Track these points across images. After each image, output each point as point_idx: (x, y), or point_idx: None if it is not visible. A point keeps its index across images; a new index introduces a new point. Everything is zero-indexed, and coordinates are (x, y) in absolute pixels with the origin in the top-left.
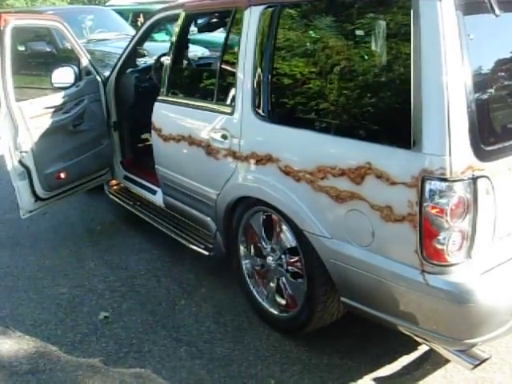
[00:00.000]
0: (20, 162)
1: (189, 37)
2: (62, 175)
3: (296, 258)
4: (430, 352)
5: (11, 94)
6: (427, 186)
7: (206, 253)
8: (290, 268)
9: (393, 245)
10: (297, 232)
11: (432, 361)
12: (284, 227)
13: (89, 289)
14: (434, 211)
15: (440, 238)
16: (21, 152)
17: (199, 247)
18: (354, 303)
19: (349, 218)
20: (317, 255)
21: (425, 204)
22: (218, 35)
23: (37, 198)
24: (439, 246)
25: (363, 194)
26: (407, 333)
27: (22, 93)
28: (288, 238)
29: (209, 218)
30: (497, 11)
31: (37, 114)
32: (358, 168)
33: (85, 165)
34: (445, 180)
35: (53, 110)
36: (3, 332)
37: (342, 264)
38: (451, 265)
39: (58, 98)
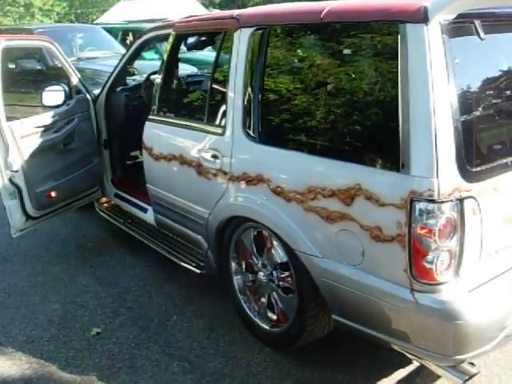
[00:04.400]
0: (11, 181)
1: (179, 56)
2: (53, 194)
3: (287, 274)
4: (421, 367)
5: (2, 113)
6: (416, 208)
7: (198, 271)
8: (281, 283)
9: (382, 264)
10: (287, 248)
11: (423, 375)
12: (275, 243)
13: (81, 305)
14: (422, 232)
15: (429, 257)
16: (11, 171)
17: (191, 265)
18: (345, 321)
19: (339, 237)
20: (307, 270)
21: (413, 225)
22: (207, 53)
23: (28, 216)
24: (428, 266)
25: (353, 214)
26: (399, 350)
27: (12, 110)
28: (279, 254)
29: (200, 237)
30: (482, 35)
31: (27, 134)
32: (348, 189)
33: (75, 183)
34: (433, 201)
35: (43, 129)
36: None
37: (333, 283)
38: (440, 283)
39: (48, 118)
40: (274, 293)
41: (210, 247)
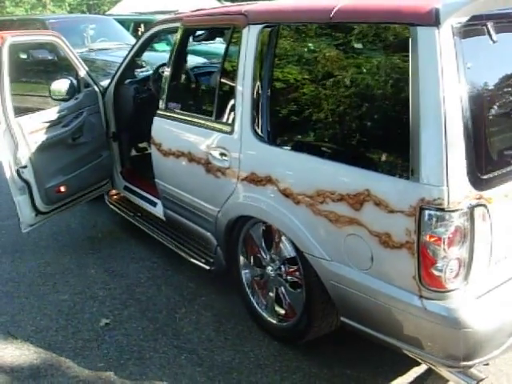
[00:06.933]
0: (20, 176)
1: (187, 50)
2: (62, 189)
3: (295, 268)
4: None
5: (10, 109)
6: (425, 216)
7: (207, 267)
8: (289, 278)
9: (391, 270)
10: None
11: (433, 372)
12: (283, 237)
13: (90, 296)
14: (431, 240)
15: (438, 265)
16: (21, 167)
17: (200, 261)
18: (353, 323)
19: (348, 242)
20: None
21: (422, 232)
22: (215, 45)
23: (37, 212)
24: (437, 273)
25: (362, 219)
26: (407, 353)
27: (23, 100)
28: (287, 248)
29: (209, 234)
30: (494, 37)
31: (36, 129)
32: (357, 194)
33: (85, 177)
34: (442, 210)
35: (52, 124)
36: (5, 338)
37: (341, 286)
38: (448, 291)
39: (56, 112)
40: (282, 287)
41: (219, 244)
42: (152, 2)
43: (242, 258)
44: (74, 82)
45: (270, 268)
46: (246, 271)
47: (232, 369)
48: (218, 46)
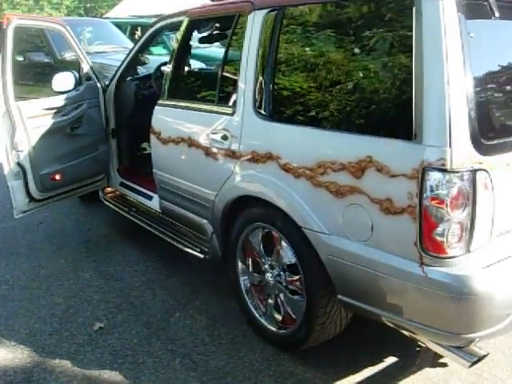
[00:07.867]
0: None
1: (191, 42)
2: (58, 177)
3: (296, 277)
4: (423, 370)
5: (11, 93)
6: (427, 177)
7: (202, 256)
8: (290, 286)
9: (392, 238)
10: (296, 248)
11: (425, 377)
12: (284, 244)
13: (84, 299)
14: (433, 202)
15: (439, 229)
16: (17, 151)
17: (195, 250)
18: (351, 301)
19: (348, 212)
20: (317, 271)
21: (425, 195)
22: (218, 50)
23: (31, 198)
24: (439, 238)
25: (363, 187)
26: (404, 332)
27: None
28: (287, 255)
29: (205, 221)
30: (496, 13)
31: (35, 115)
32: (359, 162)
33: (80, 168)
34: (445, 171)
35: (51, 111)
36: None
37: (340, 260)
38: (450, 257)
39: (57, 100)
40: (281, 294)
41: (215, 231)
42: (149, 6)
43: (240, 264)
44: (76, 74)
45: (269, 275)
46: (245, 277)
47: (226, 374)
48: (217, 50)
